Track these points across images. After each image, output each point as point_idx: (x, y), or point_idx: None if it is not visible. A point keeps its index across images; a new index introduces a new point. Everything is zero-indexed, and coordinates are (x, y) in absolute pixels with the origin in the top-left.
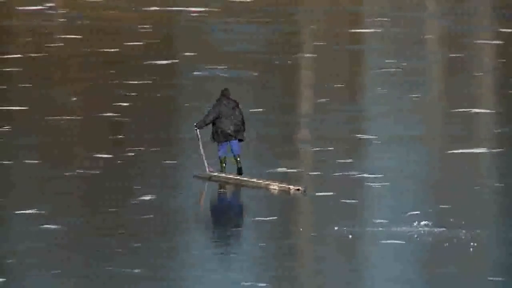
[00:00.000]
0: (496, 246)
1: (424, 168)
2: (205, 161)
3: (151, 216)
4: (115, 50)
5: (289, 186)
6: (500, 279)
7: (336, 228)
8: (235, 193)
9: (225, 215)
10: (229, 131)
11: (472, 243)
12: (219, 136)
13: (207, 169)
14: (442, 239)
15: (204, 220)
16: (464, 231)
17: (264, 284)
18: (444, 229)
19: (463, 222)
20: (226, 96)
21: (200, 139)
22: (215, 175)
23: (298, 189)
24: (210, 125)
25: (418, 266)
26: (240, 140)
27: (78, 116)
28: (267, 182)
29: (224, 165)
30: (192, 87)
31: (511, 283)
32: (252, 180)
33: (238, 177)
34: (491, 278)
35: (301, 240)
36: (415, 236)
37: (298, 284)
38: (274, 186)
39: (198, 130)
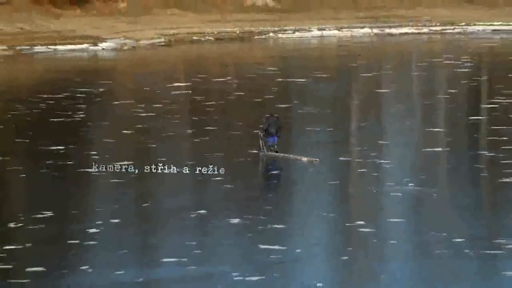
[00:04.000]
0: (449, 197)
1: (414, 157)
2: (262, 147)
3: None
4: (259, 99)
5: (312, 158)
6: (449, 214)
7: (369, 187)
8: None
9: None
10: (273, 132)
11: (435, 195)
12: (268, 134)
13: (265, 150)
14: (420, 193)
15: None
16: (433, 189)
17: (333, 215)
18: (421, 188)
19: (433, 184)
20: (271, 114)
21: (261, 137)
22: (267, 153)
23: (317, 160)
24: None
25: (406, 208)
26: (278, 137)
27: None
28: (297, 156)
29: (271, 148)
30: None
31: (455, 217)
32: (289, 155)
33: (281, 153)
34: (447, 213)
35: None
36: (407, 191)
37: (351, 213)
38: (306, 158)
39: (260, 133)
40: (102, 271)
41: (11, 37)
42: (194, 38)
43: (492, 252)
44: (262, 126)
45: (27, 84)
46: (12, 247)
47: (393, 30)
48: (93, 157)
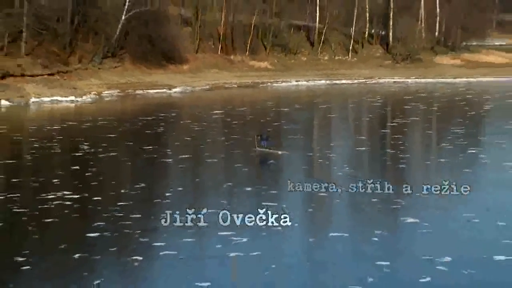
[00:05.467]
0: (369, 175)
1: (349, 153)
2: (257, 146)
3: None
4: (263, 120)
5: (284, 152)
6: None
7: (323, 170)
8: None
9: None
10: (264, 138)
11: (360, 174)
12: (262, 139)
13: (257, 149)
14: (352, 173)
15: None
16: (360, 171)
17: (304, 186)
18: (353, 170)
19: (360, 168)
20: (265, 129)
21: (257, 141)
22: (261, 150)
23: (287, 152)
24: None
25: (344, 181)
26: (268, 141)
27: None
28: (277, 150)
29: (263, 147)
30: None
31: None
32: (275, 150)
33: (266, 149)
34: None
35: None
36: (345, 171)
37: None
38: (280, 151)
39: (257, 138)
40: (206, 229)
41: (123, 85)
42: (226, 85)
43: (393, 207)
44: (258, 135)
45: (131, 111)
46: (122, 203)
47: (337, 82)
48: (168, 151)
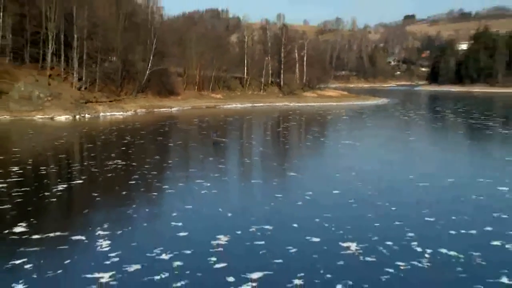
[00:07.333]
0: (276, 153)
1: (262, 141)
2: (213, 137)
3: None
4: (218, 124)
5: (226, 139)
6: (277, 161)
7: (250, 151)
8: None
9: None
10: (214, 132)
11: (270, 152)
12: (213, 133)
13: (212, 138)
14: (265, 151)
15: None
16: (270, 151)
17: (239, 155)
18: (268, 150)
19: (270, 149)
20: (215, 129)
21: (212, 134)
22: (214, 139)
23: (227, 140)
24: (211, 132)
25: (262, 157)
26: (218, 134)
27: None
28: (222, 139)
29: (214, 137)
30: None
31: (279, 166)
32: (222, 139)
33: (216, 138)
34: (277, 161)
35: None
36: (262, 151)
37: (244, 156)
38: (224, 139)
39: (212, 133)
40: (189, 179)
41: (147, 106)
42: (200, 107)
43: (284, 167)
44: (212, 131)
45: (151, 120)
46: (147, 166)
47: (256, 105)
48: (171, 140)
